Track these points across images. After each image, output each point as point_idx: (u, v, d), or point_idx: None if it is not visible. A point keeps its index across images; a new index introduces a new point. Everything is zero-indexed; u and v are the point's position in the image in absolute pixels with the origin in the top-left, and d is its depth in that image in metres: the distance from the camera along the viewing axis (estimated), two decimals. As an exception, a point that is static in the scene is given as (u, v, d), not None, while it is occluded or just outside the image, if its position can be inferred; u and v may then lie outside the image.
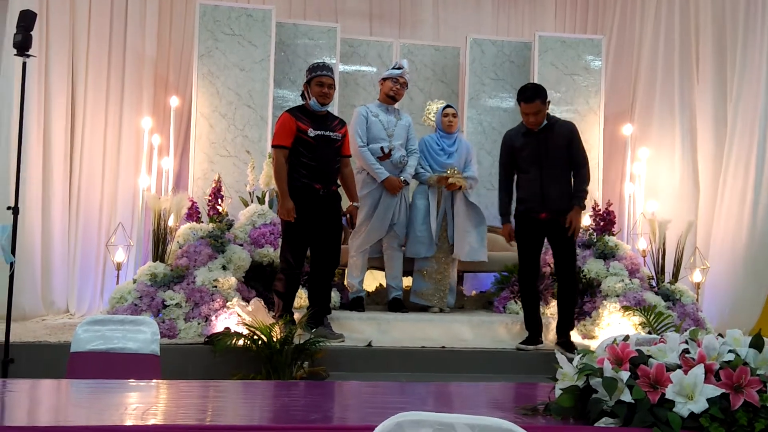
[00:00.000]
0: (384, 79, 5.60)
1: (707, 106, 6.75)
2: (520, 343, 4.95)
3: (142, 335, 2.85)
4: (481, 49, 6.89)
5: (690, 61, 6.90)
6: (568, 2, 7.84)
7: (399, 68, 5.54)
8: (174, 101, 6.46)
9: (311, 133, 4.77)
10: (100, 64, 6.39)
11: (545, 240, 4.98)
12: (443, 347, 4.88)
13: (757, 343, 1.89)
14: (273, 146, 4.84)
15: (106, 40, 6.43)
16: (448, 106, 5.81)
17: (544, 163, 4.81)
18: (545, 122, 4.83)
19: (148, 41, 6.66)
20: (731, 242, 6.41)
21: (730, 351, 1.88)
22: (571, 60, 6.78)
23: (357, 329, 5.12)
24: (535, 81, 6.62)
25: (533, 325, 4.99)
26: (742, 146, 6.45)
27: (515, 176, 5.00)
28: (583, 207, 4.86)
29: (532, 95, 4.74)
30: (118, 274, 5.58)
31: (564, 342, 4.92)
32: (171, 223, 5.43)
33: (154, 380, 2.50)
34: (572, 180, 4.88)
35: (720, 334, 1.98)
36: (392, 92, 5.53)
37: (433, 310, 5.62)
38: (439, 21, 7.72)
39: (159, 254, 5.26)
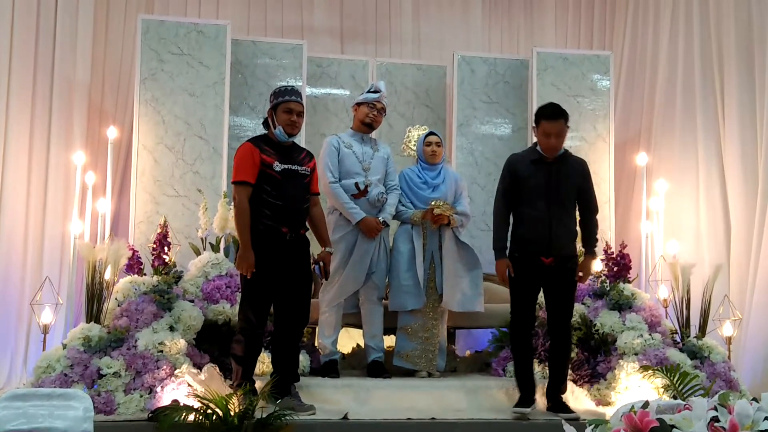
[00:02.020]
0: (358, 105, 5.64)
1: (734, 129, 6.78)
2: (515, 406, 4.94)
3: (73, 412, 2.82)
4: (470, 67, 6.99)
5: (713, 77, 6.99)
6: (570, 14, 7.98)
7: (376, 92, 5.59)
8: (111, 132, 6.47)
9: (277, 167, 4.77)
10: (24, 90, 6.39)
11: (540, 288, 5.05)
12: (433, 419, 4.85)
13: (797, 408, 1.90)
14: (234, 183, 4.81)
15: (30, 63, 6.43)
16: (431, 133, 5.86)
17: (554, 198, 4.89)
18: (561, 152, 4.94)
19: (80, 63, 6.68)
20: (768, 288, 6.44)
21: (766, 418, 1.89)
22: (575, 79, 6.89)
23: (330, 399, 5.07)
24: (534, 104, 6.71)
25: (527, 384, 4.98)
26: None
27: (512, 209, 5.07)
28: (596, 256, 5.18)
29: (556, 112, 4.87)
30: (44, 338, 5.51)
31: (556, 404, 4.97)
32: (108, 276, 5.39)
33: (88, 466, 2.47)
34: (579, 224, 5.03)
35: (755, 399, 1.99)
36: (368, 119, 5.58)
37: (420, 374, 5.59)
38: (421, 36, 7.83)
39: (94, 314, 5.21)
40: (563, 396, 5.04)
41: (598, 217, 5.17)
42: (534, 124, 5.02)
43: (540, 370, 5.53)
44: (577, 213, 5.07)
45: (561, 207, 4.90)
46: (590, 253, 5.07)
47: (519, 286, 4.97)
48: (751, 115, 6.73)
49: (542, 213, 4.88)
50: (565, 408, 4.95)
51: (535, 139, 5.06)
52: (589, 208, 5.06)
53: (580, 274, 5.00)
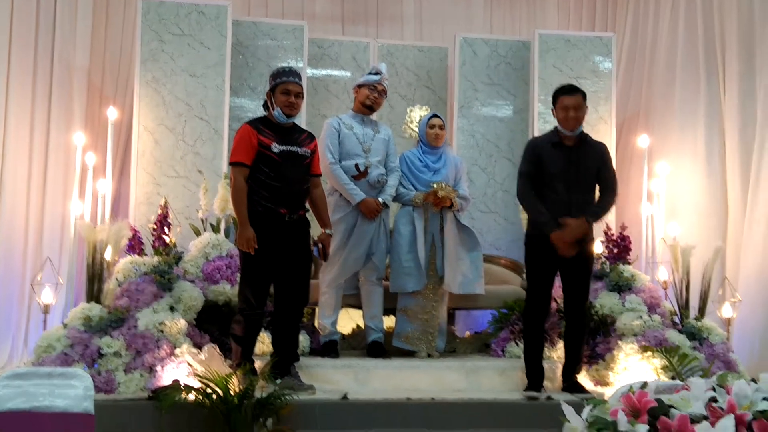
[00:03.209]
0: (359, 86, 5.63)
1: (734, 111, 6.76)
2: (526, 389, 4.98)
3: (74, 390, 2.82)
4: (472, 49, 6.96)
5: (714, 60, 6.95)
6: (572, -5, 7.94)
7: (377, 73, 5.57)
8: (112, 113, 6.44)
9: (276, 148, 4.77)
10: (24, 71, 6.36)
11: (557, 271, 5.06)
12: (432, 399, 4.86)
13: (795, 389, 1.90)
14: (231, 164, 4.85)
15: (30, 43, 6.40)
16: (434, 115, 5.83)
17: (574, 184, 4.91)
18: (580, 131, 4.95)
19: (80, 44, 6.66)
20: (761, 270, 6.42)
21: (764, 399, 1.89)
22: (577, 61, 6.86)
23: (330, 379, 5.10)
24: (536, 85, 6.73)
25: (535, 371, 5.02)
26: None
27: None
28: (591, 223, 4.92)
29: (574, 87, 4.98)
30: (45, 318, 5.52)
31: (571, 384, 5.03)
32: (108, 256, 5.39)
33: (87, 444, 2.47)
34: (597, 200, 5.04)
35: (753, 379, 1.99)
36: (369, 101, 5.56)
37: (419, 355, 5.60)
38: (422, 17, 7.79)
39: (94, 294, 5.22)
40: (577, 376, 5.11)
41: None
42: (552, 105, 5.05)
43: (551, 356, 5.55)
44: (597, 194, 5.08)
45: (580, 190, 4.92)
46: (590, 214, 4.87)
47: (536, 270, 5.00)
48: (751, 94, 6.67)
49: (562, 197, 4.90)
50: (581, 388, 5.01)
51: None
52: (607, 189, 5.02)
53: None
